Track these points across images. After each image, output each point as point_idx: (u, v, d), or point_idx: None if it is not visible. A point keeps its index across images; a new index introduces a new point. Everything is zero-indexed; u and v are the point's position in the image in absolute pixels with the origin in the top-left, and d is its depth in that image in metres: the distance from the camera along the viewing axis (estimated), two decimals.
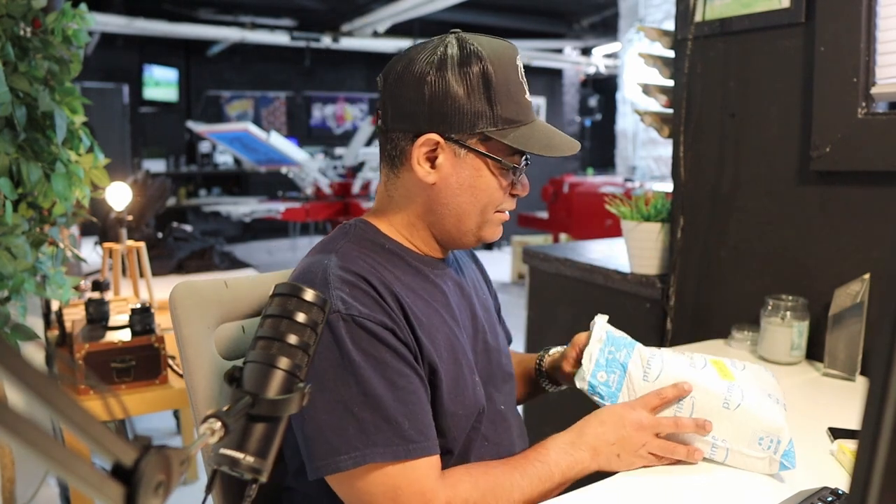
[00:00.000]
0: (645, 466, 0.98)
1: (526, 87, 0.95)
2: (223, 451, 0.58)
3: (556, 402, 1.30)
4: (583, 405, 1.19)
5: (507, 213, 1.00)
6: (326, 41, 8.15)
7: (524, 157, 0.95)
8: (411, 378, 0.86)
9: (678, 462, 1.02)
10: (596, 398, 1.06)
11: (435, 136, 0.91)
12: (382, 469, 0.82)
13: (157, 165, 8.67)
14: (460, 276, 1.07)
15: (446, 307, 0.98)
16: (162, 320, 2.34)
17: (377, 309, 0.85)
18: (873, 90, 1.40)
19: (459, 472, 0.91)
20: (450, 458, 0.95)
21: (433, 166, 0.93)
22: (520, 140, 0.92)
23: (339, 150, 8.42)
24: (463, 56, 0.90)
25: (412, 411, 0.84)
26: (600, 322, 1.13)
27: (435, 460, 0.87)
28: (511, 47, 0.95)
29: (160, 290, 3.15)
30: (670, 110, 1.86)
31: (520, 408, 1.23)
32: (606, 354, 1.07)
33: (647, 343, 1.15)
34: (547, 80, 10.01)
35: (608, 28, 8.42)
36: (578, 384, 1.07)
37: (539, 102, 10.02)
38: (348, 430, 0.81)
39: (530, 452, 0.96)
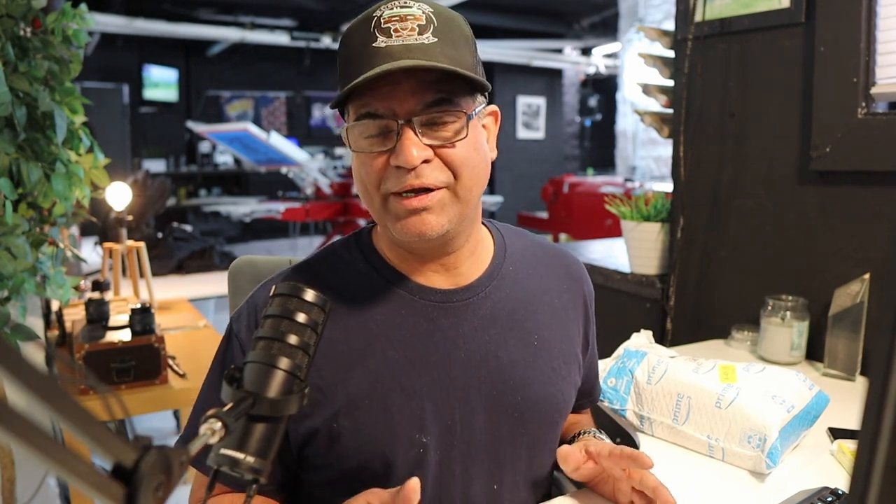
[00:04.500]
0: None
1: (383, 33, 0.76)
2: (223, 451, 0.58)
3: None
4: None
5: (411, 198, 0.77)
6: (326, 41, 8.15)
7: (365, 117, 0.78)
8: None
9: (679, 460, 1.03)
10: (605, 403, 1.16)
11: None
12: None
13: (157, 165, 8.67)
14: (486, 309, 0.87)
15: (400, 340, 0.83)
16: (162, 320, 2.34)
17: (250, 329, 0.85)
18: (873, 90, 1.40)
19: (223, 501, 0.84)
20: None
21: None
22: (342, 91, 0.77)
23: (339, 150, 8.42)
24: None
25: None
26: (634, 339, 1.23)
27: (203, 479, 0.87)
28: (383, 1, 0.79)
29: (160, 290, 3.15)
30: (670, 110, 1.86)
31: None
32: (619, 364, 1.17)
33: None
34: (547, 80, 10.01)
35: (608, 28, 8.42)
36: None
37: (539, 102, 10.02)
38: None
39: None
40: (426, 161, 0.77)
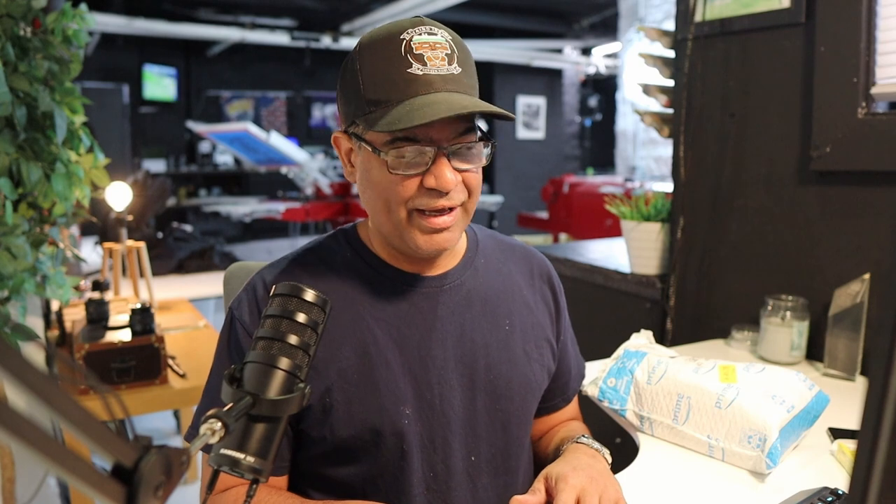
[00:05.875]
0: None
1: (417, 59, 0.81)
2: (224, 451, 0.58)
3: None
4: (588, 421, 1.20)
5: (437, 217, 0.85)
6: (326, 41, 8.15)
7: (403, 141, 0.82)
8: None
9: (679, 460, 1.03)
10: (605, 403, 1.16)
11: (337, 132, 0.92)
12: None
13: (157, 165, 8.67)
14: (461, 295, 0.95)
15: (384, 319, 0.90)
16: (162, 320, 2.34)
17: (254, 317, 0.90)
18: (873, 90, 1.40)
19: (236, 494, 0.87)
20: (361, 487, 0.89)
21: (353, 164, 0.92)
22: (376, 120, 0.82)
23: None
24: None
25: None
26: (634, 340, 1.22)
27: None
28: (404, 23, 0.84)
29: (160, 290, 3.16)
30: (670, 110, 1.86)
31: None
32: (619, 364, 1.16)
33: None
34: (547, 80, 10.01)
35: (608, 28, 8.42)
36: (590, 391, 1.17)
37: (539, 102, 10.02)
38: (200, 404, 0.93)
39: None
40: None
